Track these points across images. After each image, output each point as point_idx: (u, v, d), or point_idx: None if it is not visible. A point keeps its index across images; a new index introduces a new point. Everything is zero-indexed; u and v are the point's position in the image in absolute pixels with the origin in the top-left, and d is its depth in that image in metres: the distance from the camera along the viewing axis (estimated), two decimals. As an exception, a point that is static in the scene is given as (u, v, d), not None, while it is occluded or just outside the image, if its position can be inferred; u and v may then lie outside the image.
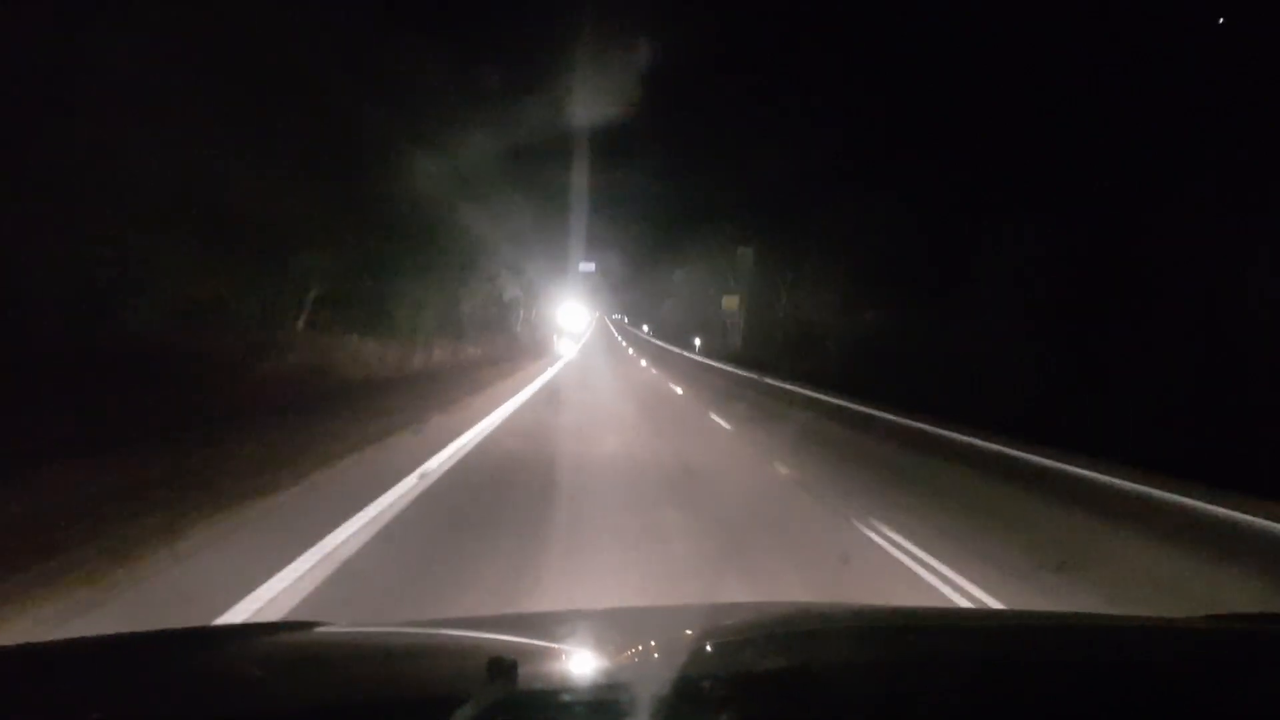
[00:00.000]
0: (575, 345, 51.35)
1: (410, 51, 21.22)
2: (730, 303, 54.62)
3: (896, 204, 31.35)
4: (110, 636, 1.75)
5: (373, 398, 13.74)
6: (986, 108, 23.06)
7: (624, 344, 72.75)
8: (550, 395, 18.08)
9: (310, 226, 16.47)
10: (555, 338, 40.42)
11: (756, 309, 53.24)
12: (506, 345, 36.82)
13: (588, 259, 58.15)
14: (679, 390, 22.05)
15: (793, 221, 44.48)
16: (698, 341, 57.36)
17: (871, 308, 33.49)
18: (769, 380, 28.83)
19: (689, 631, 1.77)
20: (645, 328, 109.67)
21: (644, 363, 39.58)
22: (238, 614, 3.83)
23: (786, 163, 41.60)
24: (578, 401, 17.19)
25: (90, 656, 1.52)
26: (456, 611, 4.01)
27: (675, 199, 61.00)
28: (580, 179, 37.43)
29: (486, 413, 12.99)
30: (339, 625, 1.95)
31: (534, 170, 31.26)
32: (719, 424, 14.19)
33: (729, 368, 39.58)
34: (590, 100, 28.99)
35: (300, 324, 21.24)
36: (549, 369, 27.58)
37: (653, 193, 59.33)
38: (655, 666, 1.46)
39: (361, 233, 18.89)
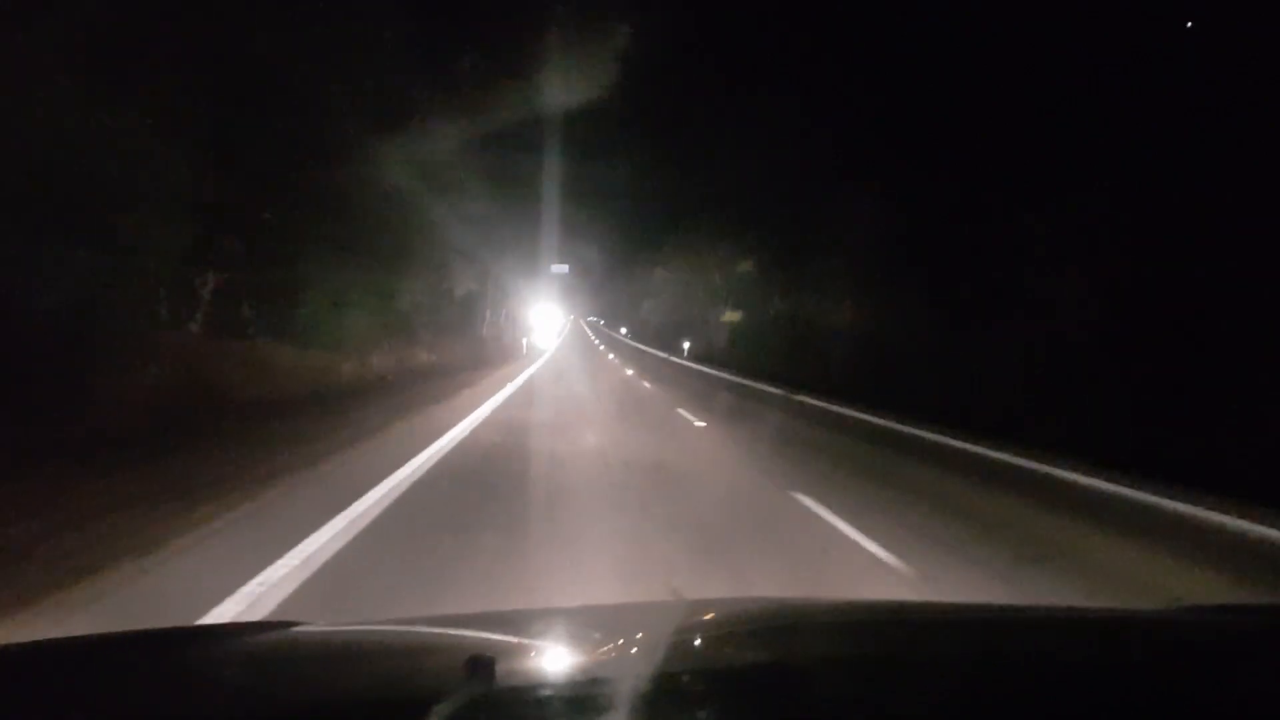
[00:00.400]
0: (548, 350, 46.25)
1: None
2: (731, 316, 50.32)
3: (910, 192, 28.22)
4: (89, 637, 1.72)
5: (213, 443, 8.81)
6: (988, 102, 21.86)
7: (602, 348, 66.32)
8: (506, 428, 12.22)
9: (181, 185, 11.98)
10: (524, 342, 35.35)
11: (747, 309, 49.15)
12: (468, 351, 32.26)
13: (561, 261, 54.29)
14: (700, 423, 14.57)
15: (789, 215, 40.44)
16: (686, 345, 52.33)
17: (885, 306, 29.40)
18: (819, 402, 21.17)
19: (668, 627, 1.71)
20: (623, 330, 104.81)
21: (630, 371, 33.41)
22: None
23: (780, 154, 37.99)
24: (548, 441, 10.90)
25: (68, 657, 1.51)
26: (435, 610, 3.82)
27: (655, 197, 56.78)
28: (552, 178, 33.90)
29: (386, 472, 7.42)
30: (318, 624, 1.92)
31: (499, 166, 27.85)
32: (856, 541, 6.11)
33: (737, 378, 32.48)
34: (563, 95, 26.39)
35: (196, 325, 16.75)
36: (513, 380, 22.23)
37: (630, 191, 55.07)
38: (634, 662, 1.43)
39: (260, 200, 14.39)
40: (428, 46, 20.37)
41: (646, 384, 25.84)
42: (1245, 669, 1.44)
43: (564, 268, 56.35)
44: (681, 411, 16.50)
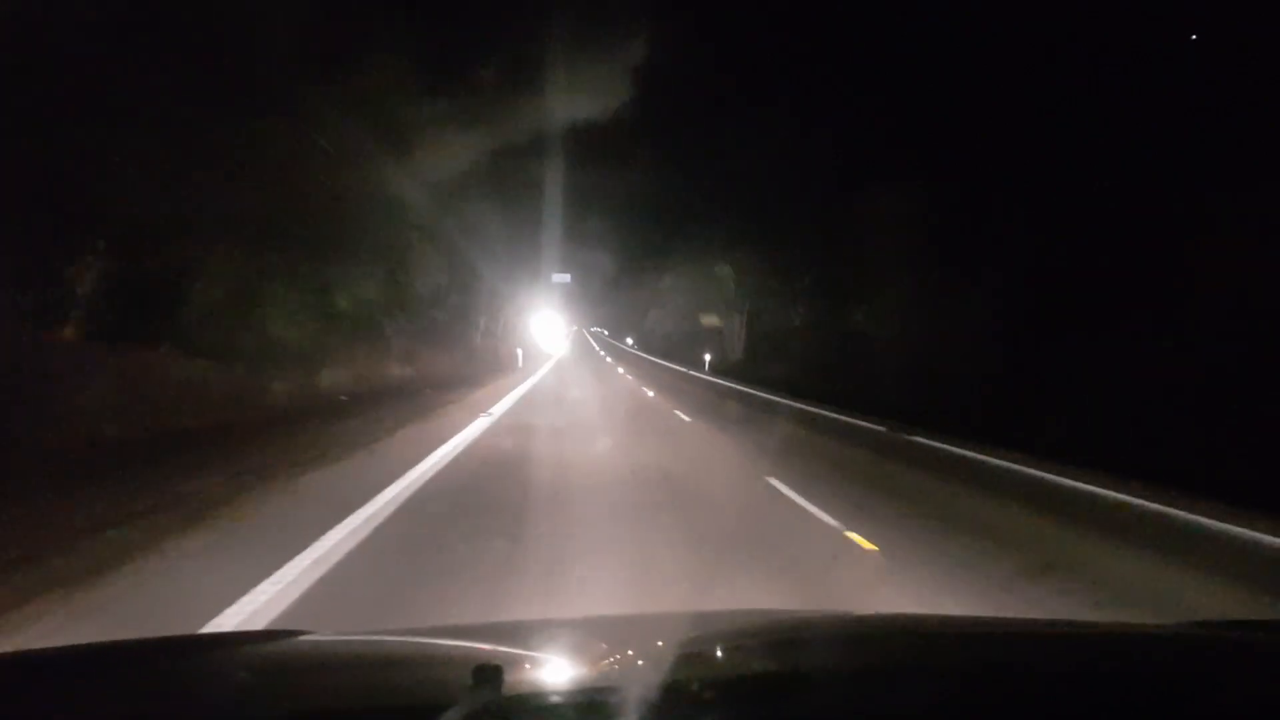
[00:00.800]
0: (549, 362, 41.53)
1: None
2: (709, 320, 47.01)
3: (961, 176, 24.67)
4: (96, 645, 1.69)
5: None
6: (984, 105, 21.58)
7: (609, 359, 59.51)
8: (449, 522, 6.45)
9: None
10: (519, 353, 30.52)
11: (768, 317, 44.95)
12: (454, 363, 27.98)
13: (563, 270, 50.66)
14: (867, 542, 6.40)
15: (815, 212, 36.38)
16: (708, 358, 46.98)
17: (946, 310, 25.19)
18: (984, 456, 12.89)
19: (674, 637, 1.70)
20: (629, 340, 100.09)
21: (651, 393, 25.04)
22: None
23: (802, 144, 34.31)
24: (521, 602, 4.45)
25: (75, 665, 1.49)
26: (441, 621, 3.71)
27: (661, 201, 52.96)
28: (553, 185, 31.38)
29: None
30: (324, 634, 1.90)
31: (496, 169, 25.55)
32: None
33: (795, 402, 23.44)
34: (565, 104, 24.47)
35: (69, 329, 12.67)
36: (491, 410, 15.50)
37: (634, 197, 51.42)
38: (641, 672, 1.43)
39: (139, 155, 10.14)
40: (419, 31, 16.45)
41: (684, 416, 17.40)
42: (1256, 685, 1.39)
43: (565, 277, 52.79)
44: (783, 488, 8.66)
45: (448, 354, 28.67)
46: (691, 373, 42.33)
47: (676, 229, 53.48)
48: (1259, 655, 1.61)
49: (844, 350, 32.49)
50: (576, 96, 24.62)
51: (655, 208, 54.88)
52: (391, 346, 20.93)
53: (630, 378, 34.50)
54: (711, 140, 50.12)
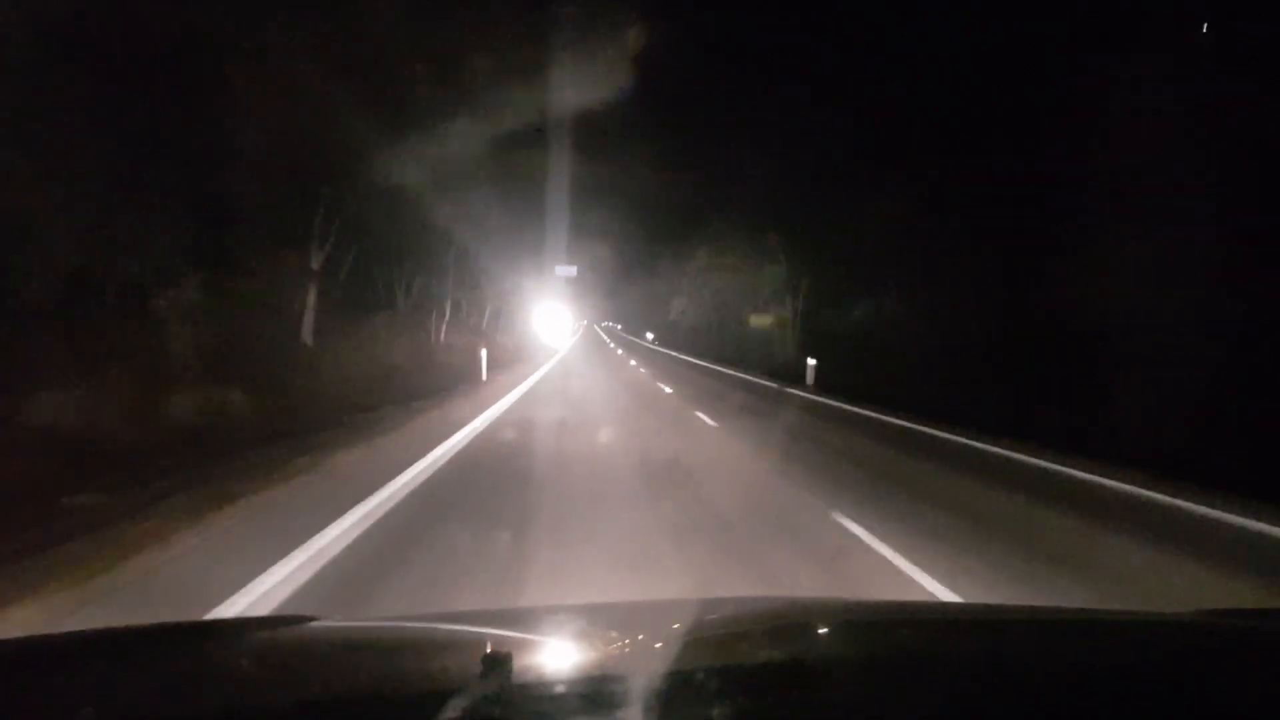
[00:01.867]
0: (542, 369, 28.79)
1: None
2: (761, 320, 38.90)
3: None
4: (104, 630, 1.67)
5: None
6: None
7: (634, 365, 35.67)
8: None
9: None
10: (483, 356, 19.36)
11: (835, 312, 33.99)
12: (378, 376, 17.10)
13: (569, 262, 44.62)
14: None
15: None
16: (812, 363, 26.64)
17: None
18: None
19: (682, 625, 1.67)
20: (649, 335, 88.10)
21: (857, 529, 6.35)
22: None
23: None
24: None
25: (84, 650, 1.48)
26: (450, 607, 3.66)
27: (684, 186, 45.09)
28: (559, 174, 27.48)
29: None
30: (333, 620, 1.87)
31: (503, 162, 22.27)
32: None
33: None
34: (571, 90, 21.89)
35: None
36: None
37: (652, 180, 44.14)
38: (649, 659, 1.39)
39: None
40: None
41: None
42: (1263, 675, 1.36)
43: (571, 269, 46.17)
44: None
45: (382, 355, 17.90)
46: (786, 389, 22.88)
47: (708, 201, 44.22)
48: (1263, 644, 1.57)
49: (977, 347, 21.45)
50: (594, 103, 21.73)
51: (678, 185, 45.94)
52: (194, 344, 9.95)
53: (715, 427, 13.63)
54: (743, 128, 41.86)
